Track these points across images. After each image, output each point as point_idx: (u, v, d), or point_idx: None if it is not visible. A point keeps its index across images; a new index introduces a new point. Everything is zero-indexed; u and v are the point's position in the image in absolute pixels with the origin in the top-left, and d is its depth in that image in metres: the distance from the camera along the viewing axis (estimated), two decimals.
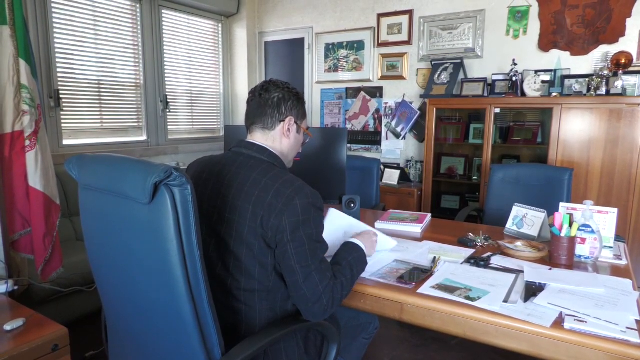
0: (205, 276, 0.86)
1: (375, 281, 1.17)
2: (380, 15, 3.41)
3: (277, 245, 0.97)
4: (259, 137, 1.10)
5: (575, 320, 0.95)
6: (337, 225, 1.34)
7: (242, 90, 3.75)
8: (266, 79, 1.15)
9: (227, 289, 1.02)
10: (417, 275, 1.21)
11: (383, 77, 3.53)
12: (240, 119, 3.78)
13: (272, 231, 0.96)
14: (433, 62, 3.24)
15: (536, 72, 2.85)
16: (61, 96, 2.57)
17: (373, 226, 1.72)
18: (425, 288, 1.13)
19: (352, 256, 1.11)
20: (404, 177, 3.35)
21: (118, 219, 0.88)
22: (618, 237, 1.44)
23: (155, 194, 0.80)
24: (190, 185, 0.81)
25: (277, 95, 1.09)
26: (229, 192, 1.01)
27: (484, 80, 3.03)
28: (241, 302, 1.01)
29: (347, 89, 3.70)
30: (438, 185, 3.42)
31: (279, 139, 1.11)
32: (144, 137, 3.13)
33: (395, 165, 3.49)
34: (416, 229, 1.67)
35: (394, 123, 3.56)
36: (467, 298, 1.07)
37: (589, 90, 2.54)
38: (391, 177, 3.30)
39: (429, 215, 1.84)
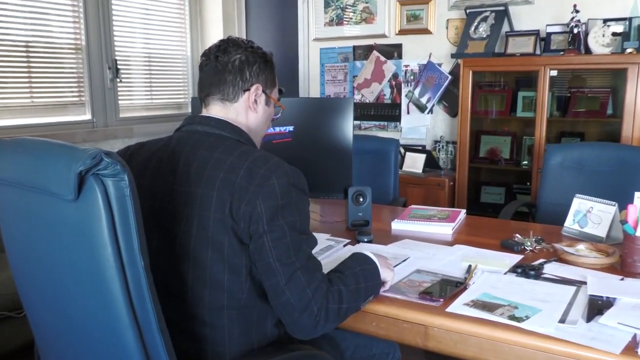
0: (153, 292, 0.86)
1: (390, 297, 1.17)
2: None
3: (251, 239, 0.98)
4: (217, 111, 1.12)
5: None
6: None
7: None
8: (224, 38, 1.17)
9: (185, 307, 1.02)
10: (446, 289, 1.22)
11: (402, 32, 3.52)
12: None
13: (244, 221, 0.97)
14: (468, 11, 3.22)
15: (605, 21, 2.83)
16: None
17: (387, 227, 1.74)
18: (457, 306, 1.13)
19: (360, 267, 1.12)
20: (431, 163, 3.35)
21: (42, 222, 0.87)
22: None
23: (82, 187, 0.80)
24: (128, 175, 0.81)
25: (239, 57, 1.11)
26: (185, 180, 1.02)
27: (536, 33, 3.01)
28: (205, 324, 1.01)
29: (354, 47, 3.70)
30: (476, 174, 3.42)
31: (244, 113, 1.13)
32: (87, 116, 3.13)
33: (420, 148, 3.51)
34: (446, 229, 1.69)
35: (417, 92, 3.56)
36: (512, 318, 1.06)
37: None
38: (414, 163, 3.32)
39: (463, 211, 1.86)
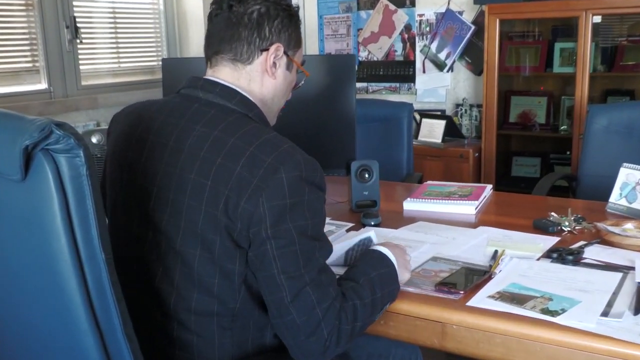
0: (117, 292, 0.86)
1: (401, 290, 1.17)
2: None
3: (250, 244, 0.97)
4: (226, 74, 1.10)
5: None
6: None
7: (195, 6, 3.66)
8: None
9: (169, 310, 1.03)
10: (467, 279, 1.22)
11: None
12: (192, 51, 3.74)
13: (242, 221, 0.95)
14: None
15: None
16: None
17: (399, 208, 1.74)
18: (480, 298, 1.13)
19: (376, 272, 1.10)
20: (452, 131, 3.36)
21: None
22: None
23: (30, 164, 0.79)
24: (85, 150, 0.80)
25: (258, 8, 1.08)
26: (176, 160, 1.01)
27: None
28: (191, 330, 1.02)
29: None
30: (506, 142, 3.43)
31: (259, 79, 1.11)
32: (43, 85, 3.09)
33: (439, 114, 3.50)
34: (468, 208, 1.69)
35: (434, 47, 3.54)
36: (546, 312, 1.06)
37: None
38: (432, 131, 3.32)
39: (489, 187, 1.86)
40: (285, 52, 1.12)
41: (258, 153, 0.96)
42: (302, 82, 1.25)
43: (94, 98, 3.24)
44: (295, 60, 1.16)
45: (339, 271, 1.16)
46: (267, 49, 1.09)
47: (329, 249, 1.03)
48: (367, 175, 1.70)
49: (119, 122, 1.15)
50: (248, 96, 1.09)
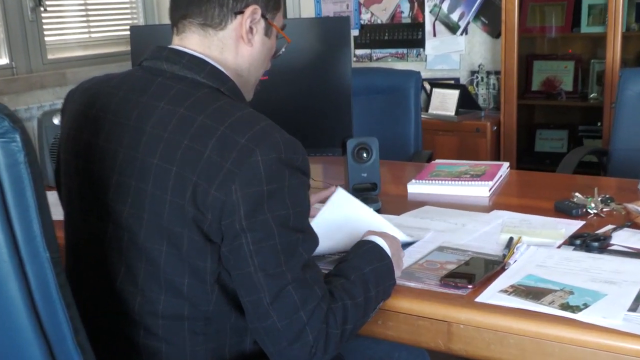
0: (66, 295, 0.84)
1: (402, 286, 1.17)
2: None
3: (223, 238, 0.96)
4: (194, 43, 1.08)
5: None
6: (342, 219, 1.34)
7: None
8: None
9: (134, 314, 1.02)
10: (477, 271, 1.21)
11: None
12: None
13: (213, 212, 0.94)
14: None
15: None
16: None
17: (402, 191, 1.73)
18: (491, 293, 1.12)
19: (370, 267, 1.09)
20: (467, 101, 3.32)
21: None
22: None
23: None
24: (22, 134, 0.78)
25: None
26: (137, 142, 1.01)
27: None
28: (158, 337, 1.01)
29: None
30: (529, 113, 3.42)
31: (233, 47, 1.09)
32: (4, 60, 3.06)
33: (452, 83, 3.48)
34: (481, 190, 1.68)
35: (446, 6, 3.51)
36: (566, 307, 1.05)
37: None
38: (445, 103, 3.30)
39: (506, 165, 1.84)
40: (263, 16, 1.10)
41: (230, 133, 0.95)
42: (283, 50, 1.24)
43: (62, 73, 3.21)
44: (274, 24, 1.14)
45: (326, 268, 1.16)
46: (242, 12, 1.07)
47: (314, 241, 1.01)
48: (365, 155, 1.67)
49: (74, 101, 1.13)
50: (220, 67, 1.07)
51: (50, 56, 3.26)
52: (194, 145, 0.95)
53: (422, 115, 3.23)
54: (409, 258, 1.27)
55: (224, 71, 1.07)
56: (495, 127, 3.20)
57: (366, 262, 1.09)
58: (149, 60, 1.08)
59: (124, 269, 1.02)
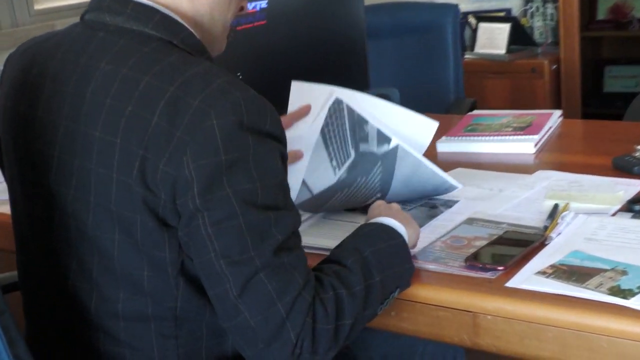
0: None
1: (419, 268, 1.14)
2: None
3: (180, 219, 0.93)
4: None
5: None
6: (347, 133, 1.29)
7: None
8: None
9: (90, 315, 1.00)
10: (511, 249, 1.15)
11: None
12: None
13: (165, 191, 0.91)
14: None
15: None
16: None
17: (431, 151, 1.65)
18: (526, 276, 1.07)
19: (373, 247, 1.05)
20: (520, 37, 3.26)
21: None
22: None
23: None
24: None
25: None
26: (77, 112, 0.97)
27: None
28: (120, 341, 0.99)
29: None
30: (594, 48, 3.42)
31: None
32: None
33: (502, 15, 3.42)
34: (525, 146, 1.61)
35: None
36: (615, 292, 0.99)
37: None
38: (493, 39, 3.24)
39: (557, 113, 1.77)
40: None
41: (182, 94, 0.90)
42: None
43: (51, 26, 3.21)
44: None
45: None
46: None
47: (292, 220, 0.95)
48: None
49: (13, 66, 1.10)
50: (173, 15, 1.00)
51: (37, 7, 3.25)
52: (139, 111, 0.91)
53: (467, 56, 3.22)
54: (429, 234, 1.22)
55: (178, 19, 1.01)
56: (555, 66, 3.16)
57: (367, 243, 1.04)
58: (90, 12, 1.03)
59: (76, 263, 0.99)
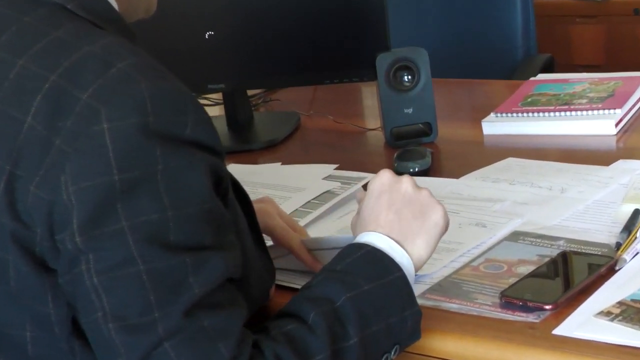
0: None
1: (432, 308, 1.12)
2: None
3: (60, 263, 0.91)
4: None
5: None
6: None
7: None
8: None
9: None
10: (566, 278, 1.15)
11: None
12: None
13: (39, 220, 0.89)
14: None
15: None
16: None
17: (475, 134, 1.67)
18: (582, 320, 1.03)
19: (355, 289, 1.04)
20: None
21: None
22: None
23: None
24: None
25: None
26: None
27: None
28: None
29: None
30: None
31: None
32: None
33: None
34: (602, 125, 1.54)
35: None
36: None
37: None
38: None
39: None
40: None
41: (66, 85, 0.87)
42: None
43: None
44: None
45: None
46: None
47: (223, 264, 0.91)
48: (407, 78, 1.62)
49: None
50: None
51: None
52: (8, 109, 0.91)
53: None
54: (452, 255, 1.20)
55: None
56: None
57: (345, 283, 1.01)
58: None
59: None
